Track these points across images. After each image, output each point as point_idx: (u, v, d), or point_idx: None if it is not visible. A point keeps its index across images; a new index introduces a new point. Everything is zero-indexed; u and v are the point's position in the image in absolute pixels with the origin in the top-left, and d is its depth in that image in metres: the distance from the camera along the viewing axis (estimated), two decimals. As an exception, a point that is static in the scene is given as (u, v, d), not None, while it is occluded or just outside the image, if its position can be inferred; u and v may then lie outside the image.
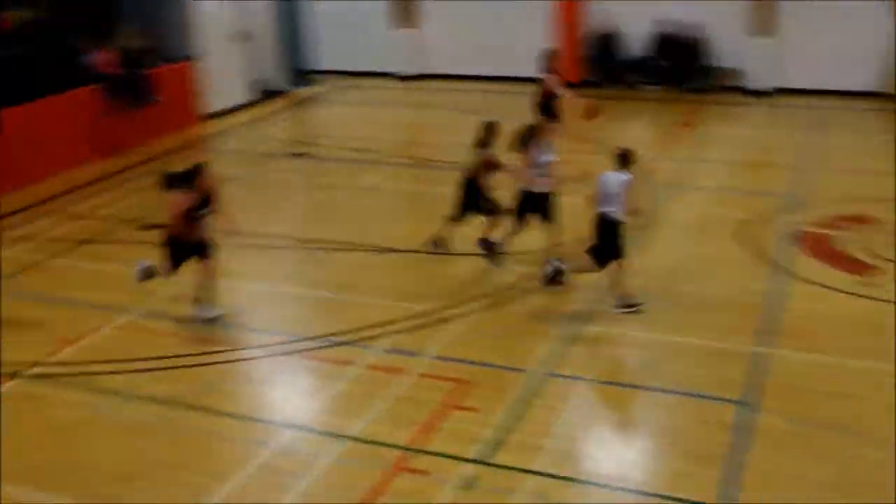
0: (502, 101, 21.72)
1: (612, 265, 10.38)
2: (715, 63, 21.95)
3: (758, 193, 14.56)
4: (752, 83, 21.82)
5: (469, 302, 10.81)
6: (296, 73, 23.55)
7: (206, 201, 10.01)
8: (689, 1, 21.68)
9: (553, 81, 15.97)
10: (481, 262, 11.91)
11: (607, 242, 10.29)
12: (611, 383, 9.19)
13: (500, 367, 9.33)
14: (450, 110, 21.34)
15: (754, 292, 10.87)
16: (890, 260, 11.76)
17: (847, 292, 10.88)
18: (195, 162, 10.28)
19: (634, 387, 9.09)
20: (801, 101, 21.06)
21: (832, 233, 12.72)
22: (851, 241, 12.41)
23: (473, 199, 11.82)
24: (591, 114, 15.73)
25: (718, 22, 21.76)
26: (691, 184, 15.02)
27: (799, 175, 15.56)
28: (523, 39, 22.95)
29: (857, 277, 11.31)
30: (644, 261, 11.52)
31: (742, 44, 21.71)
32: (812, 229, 12.87)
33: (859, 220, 13.15)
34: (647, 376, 9.25)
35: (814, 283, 11.17)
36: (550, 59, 16.13)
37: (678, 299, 10.68)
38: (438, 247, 12.23)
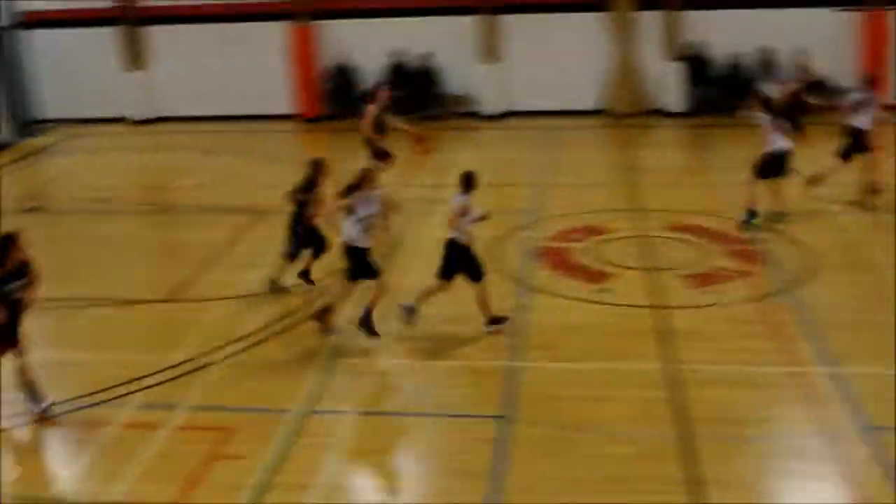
0: (244, 139, 21.60)
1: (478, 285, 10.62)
2: (447, 90, 22.70)
3: (498, 213, 15.05)
4: (483, 108, 22.73)
5: (225, 346, 10.63)
6: (21, 124, 22.35)
7: (16, 273, 9.24)
8: (418, 29, 22.42)
9: (371, 114, 15.75)
10: (235, 305, 11.76)
11: (460, 265, 10.51)
12: (374, 413, 9.30)
13: (262, 409, 9.25)
14: (189, 152, 20.90)
15: (503, 309, 11.25)
16: (622, 266, 12.59)
17: (587, 301, 11.54)
18: (6, 232, 9.40)
19: (397, 414, 9.26)
20: (531, 122, 22.15)
21: (568, 245, 13.45)
22: (586, 252, 13.18)
23: (303, 237, 11.77)
24: (423, 146, 15.79)
25: (449, 50, 22.54)
26: (435, 209, 15.44)
27: (534, 193, 16.34)
28: (260, 76, 22.90)
29: (595, 286, 12.03)
30: (396, 287, 11.78)
31: (472, 70, 22.60)
32: (550, 243, 13.56)
33: (592, 231, 13.98)
34: (408, 402, 9.45)
35: (556, 294, 11.77)
36: (374, 90, 15.91)
37: (434, 323, 10.90)
38: (274, 288, 11.99)
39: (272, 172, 18.67)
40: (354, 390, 9.74)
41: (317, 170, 11.76)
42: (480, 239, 13.49)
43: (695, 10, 21.77)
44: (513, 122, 22.28)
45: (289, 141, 22.25)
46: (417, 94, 22.67)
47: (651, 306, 11.32)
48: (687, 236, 13.65)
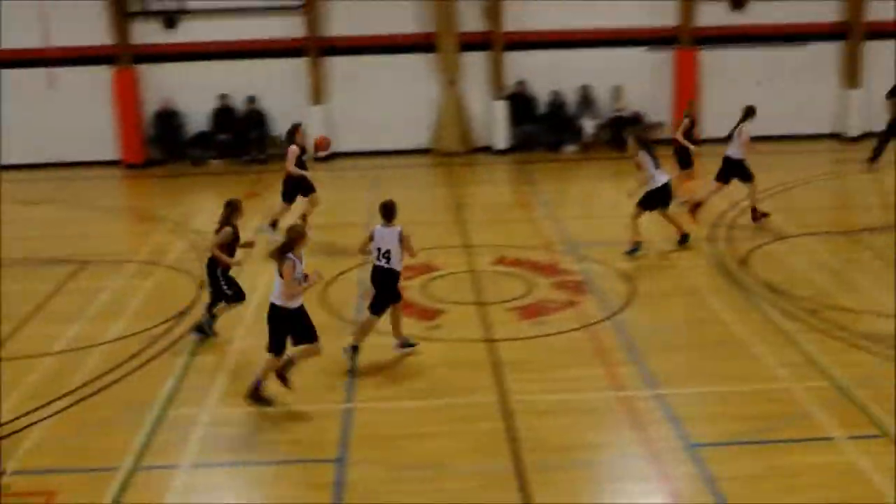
0: (65, 187, 20.92)
1: (390, 309, 10.92)
2: (274, 133, 22.51)
3: (332, 254, 15.05)
4: (311, 149, 22.63)
5: (48, 404, 10.17)
6: None
7: None
8: (245, 72, 22.36)
9: (294, 154, 15.43)
10: (58, 361, 11.30)
11: (385, 290, 10.76)
12: (207, 465, 9.06)
13: (88, 469, 8.88)
14: (11, 203, 19.96)
15: (335, 350, 11.04)
16: (453, 302, 12.78)
17: (420, 338, 11.61)
18: None
19: (233, 464, 9.06)
20: (359, 162, 22.32)
21: (400, 283, 13.47)
22: (418, 289, 13.31)
23: (218, 279, 11.52)
24: (320, 147, 15.65)
25: (276, 92, 22.49)
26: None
27: (365, 233, 16.33)
28: (81, 121, 22.23)
29: (427, 322, 12.16)
30: (233, 336, 11.66)
31: (299, 112, 22.50)
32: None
33: (423, 268, 14.11)
34: (244, 451, 9.25)
35: (390, 333, 11.75)
36: (293, 132, 15.66)
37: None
38: (202, 332, 11.71)
39: (94, 221, 18.14)
40: (186, 442, 9.42)
41: (231, 211, 11.53)
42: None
43: (518, 51, 22.50)
44: (341, 162, 22.34)
45: (112, 188, 21.68)
46: (243, 136, 22.54)
47: (482, 340, 11.53)
48: (515, 270, 14.00)
